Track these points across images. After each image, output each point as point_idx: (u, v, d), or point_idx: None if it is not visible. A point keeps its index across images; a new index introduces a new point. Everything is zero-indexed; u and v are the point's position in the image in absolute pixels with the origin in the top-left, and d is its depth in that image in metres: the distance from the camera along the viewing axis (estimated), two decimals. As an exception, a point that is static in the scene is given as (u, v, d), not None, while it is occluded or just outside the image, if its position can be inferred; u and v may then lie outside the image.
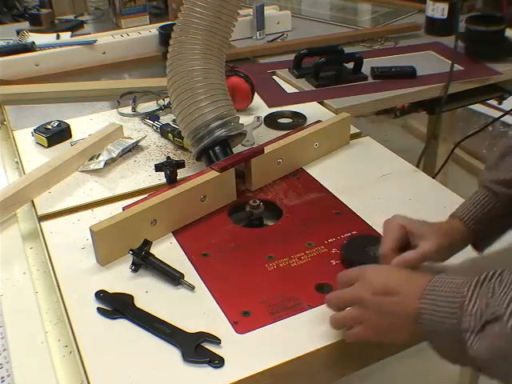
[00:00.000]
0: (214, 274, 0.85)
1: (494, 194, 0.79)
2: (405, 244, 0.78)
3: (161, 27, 1.67)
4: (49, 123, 1.23)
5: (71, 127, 1.24)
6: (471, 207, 0.80)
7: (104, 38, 1.68)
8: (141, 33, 1.72)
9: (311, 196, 1.03)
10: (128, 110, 1.35)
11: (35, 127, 1.23)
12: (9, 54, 1.57)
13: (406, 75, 1.45)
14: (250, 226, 0.97)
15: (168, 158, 1.03)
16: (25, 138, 1.24)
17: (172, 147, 1.20)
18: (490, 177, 0.81)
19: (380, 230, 0.90)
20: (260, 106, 1.35)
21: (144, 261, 0.85)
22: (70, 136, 1.24)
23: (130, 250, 0.85)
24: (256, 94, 1.35)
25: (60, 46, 1.65)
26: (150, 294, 0.82)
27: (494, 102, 1.78)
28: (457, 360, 0.64)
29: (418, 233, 0.78)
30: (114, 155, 1.13)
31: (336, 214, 0.98)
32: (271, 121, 1.28)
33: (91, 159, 1.14)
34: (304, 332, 0.75)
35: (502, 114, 1.81)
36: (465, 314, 0.59)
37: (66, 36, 1.79)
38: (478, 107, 2.66)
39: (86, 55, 1.62)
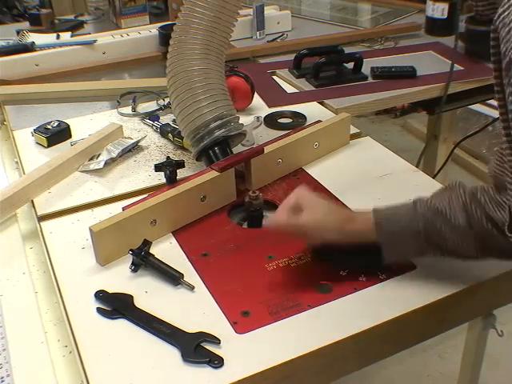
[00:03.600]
0: (213, 274, 0.85)
1: (417, 209, 0.77)
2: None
3: (161, 27, 1.67)
4: (49, 123, 1.23)
5: (71, 127, 1.24)
6: (391, 207, 0.79)
7: (104, 38, 1.68)
8: (141, 33, 1.72)
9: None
10: (128, 110, 1.35)
11: (35, 127, 1.23)
12: (9, 54, 1.57)
13: (406, 75, 1.45)
14: (250, 218, 0.97)
15: (168, 158, 1.03)
16: (25, 138, 1.24)
17: (172, 147, 1.20)
18: (424, 199, 0.79)
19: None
20: (260, 106, 1.35)
21: (144, 261, 0.85)
22: (70, 136, 1.24)
23: (130, 249, 0.85)
24: (256, 93, 1.35)
25: (60, 45, 1.65)
26: (149, 294, 0.82)
27: (494, 102, 1.78)
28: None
29: (305, 205, 0.80)
30: (113, 155, 1.13)
31: (336, 214, 0.98)
32: (271, 121, 1.28)
33: (91, 159, 1.14)
34: (304, 332, 0.75)
35: (502, 114, 1.81)
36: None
37: (66, 36, 1.79)
38: (477, 107, 2.66)
39: (86, 55, 1.62)
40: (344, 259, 0.84)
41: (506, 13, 0.58)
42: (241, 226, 0.98)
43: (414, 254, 0.81)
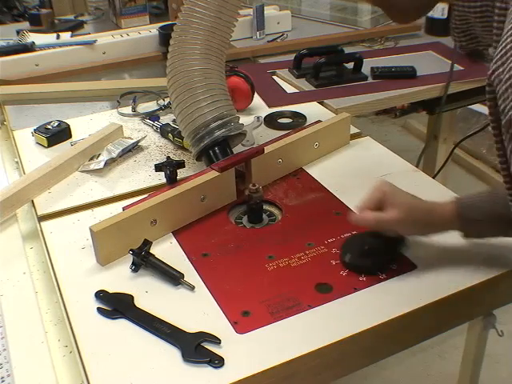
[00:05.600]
0: (214, 274, 0.85)
1: (497, 192, 0.81)
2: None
3: (161, 27, 1.67)
4: (49, 123, 1.23)
5: (71, 127, 1.24)
6: (472, 196, 0.83)
7: (104, 38, 1.68)
8: (141, 33, 1.72)
9: (311, 196, 1.03)
10: (128, 110, 1.35)
11: (35, 127, 1.23)
12: (9, 54, 1.57)
13: (406, 75, 1.45)
14: (250, 212, 0.97)
15: (168, 157, 1.03)
16: (25, 138, 1.24)
17: (172, 147, 1.20)
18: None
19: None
20: (260, 106, 1.35)
21: (144, 261, 0.85)
22: (70, 136, 1.24)
23: (130, 249, 0.85)
24: (256, 93, 1.35)
25: (60, 46, 1.65)
26: (150, 294, 0.82)
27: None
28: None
29: (389, 201, 0.82)
30: (113, 155, 1.13)
31: (336, 214, 0.98)
32: (271, 121, 1.28)
33: (91, 159, 1.14)
34: (304, 332, 0.75)
35: (501, 114, 1.81)
36: None
37: (66, 36, 1.78)
38: (477, 107, 2.66)
39: (86, 55, 1.62)
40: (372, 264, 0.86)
41: (501, 69, 0.57)
42: (241, 223, 0.98)
43: (495, 235, 0.85)
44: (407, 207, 0.82)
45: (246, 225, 0.97)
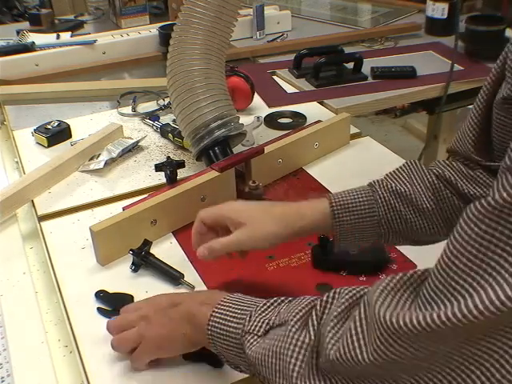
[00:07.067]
0: (213, 274, 0.85)
1: (375, 193, 0.73)
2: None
3: (161, 27, 1.68)
4: (49, 123, 1.23)
5: (71, 127, 1.24)
6: (347, 193, 0.74)
7: (104, 38, 1.68)
8: (141, 33, 1.72)
9: (311, 196, 1.02)
10: (128, 110, 1.35)
11: (35, 127, 1.23)
12: (9, 54, 1.57)
13: (406, 75, 1.45)
14: None
15: (168, 158, 1.03)
16: (25, 138, 1.25)
17: (172, 147, 1.20)
18: (381, 182, 0.74)
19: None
20: (260, 106, 1.35)
21: (144, 261, 0.85)
22: (70, 136, 1.24)
23: (130, 249, 0.85)
24: (256, 93, 1.35)
25: (60, 46, 1.65)
26: (150, 294, 0.81)
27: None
28: (236, 364, 0.63)
29: (236, 219, 0.73)
30: (114, 155, 1.13)
31: (336, 214, 0.98)
32: (271, 121, 1.28)
33: (91, 159, 1.14)
34: (304, 332, 0.75)
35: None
36: (251, 319, 0.60)
37: (66, 36, 1.79)
38: (478, 107, 2.66)
39: (86, 55, 1.62)
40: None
41: None
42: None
43: (371, 240, 0.75)
44: (258, 218, 0.72)
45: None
